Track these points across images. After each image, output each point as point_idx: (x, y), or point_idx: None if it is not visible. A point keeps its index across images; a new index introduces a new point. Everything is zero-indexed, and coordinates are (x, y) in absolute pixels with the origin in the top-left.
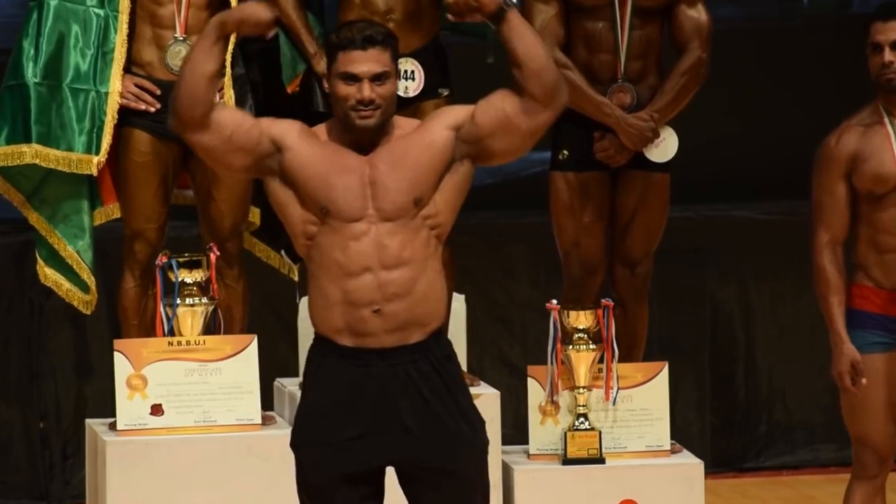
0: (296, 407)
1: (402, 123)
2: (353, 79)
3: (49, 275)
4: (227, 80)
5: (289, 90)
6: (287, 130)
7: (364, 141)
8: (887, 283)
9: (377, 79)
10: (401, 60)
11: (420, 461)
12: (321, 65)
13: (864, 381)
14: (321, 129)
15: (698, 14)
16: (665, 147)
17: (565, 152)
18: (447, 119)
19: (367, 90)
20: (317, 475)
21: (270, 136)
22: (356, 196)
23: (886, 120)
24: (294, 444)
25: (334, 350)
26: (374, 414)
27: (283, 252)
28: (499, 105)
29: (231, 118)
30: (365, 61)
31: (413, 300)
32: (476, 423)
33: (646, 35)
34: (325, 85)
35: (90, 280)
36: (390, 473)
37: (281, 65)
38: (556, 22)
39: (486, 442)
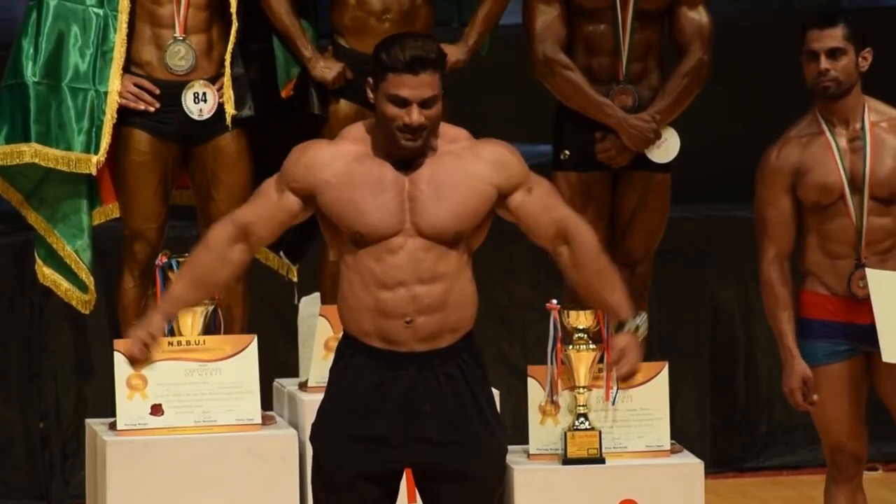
0: (295, 407)
1: (447, 133)
2: (403, 102)
3: (48, 274)
4: (227, 79)
5: (283, 94)
6: (317, 173)
7: (406, 155)
8: (841, 290)
9: (426, 103)
10: None
11: (439, 465)
12: (317, 69)
13: (815, 397)
14: (360, 130)
15: (699, 16)
16: (667, 148)
17: (566, 152)
18: (500, 178)
19: (416, 115)
20: (334, 470)
21: (304, 193)
22: (392, 214)
23: (826, 129)
24: (314, 438)
25: (364, 349)
26: (398, 416)
27: (281, 253)
28: (533, 222)
29: (265, 217)
30: (416, 86)
31: (446, 311)
32: (497, 428)
33: (647, 37)
34: (370, 97)
35: (89, 280)
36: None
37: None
38: (559, 23)
39: (505, 448)
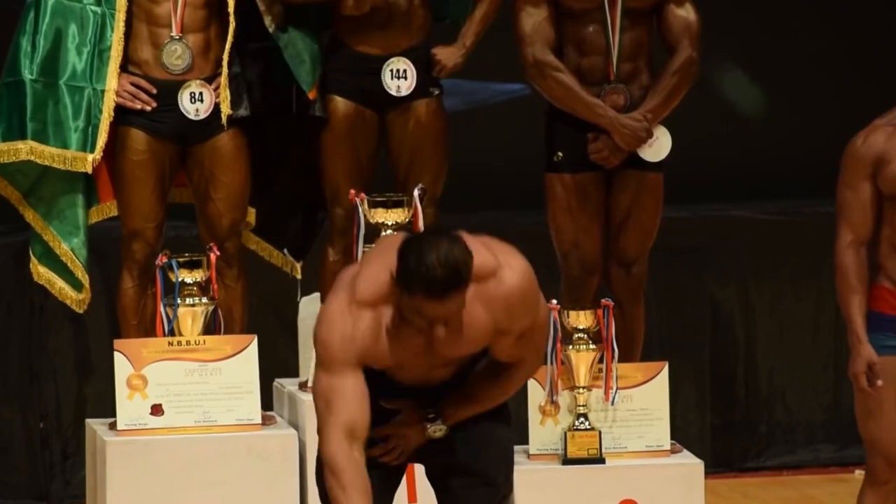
0: (295, 407)
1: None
2: (429, 319)
3: (42, 273)
4: (224, 79)
5: (311, 96)
6: (368, 350)
7: None
8: None
9: (452, 317)
10: (393, 60)
11: (447, 461)
12: (348, 7)
13: (879, 382)
14: (377, 289)
15: (687, 13)
16: (658, 146)
17: (560, 154)
18: (503, 324)
19: (441, 331)
20: None
21: (361, 364)
22: (416, 357)
23: None
24: (319, 480)
25: None
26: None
27: (285, 251)
28: (495, 356)
29: (357, 407)
30: (443, 310)
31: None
32: (502, 426)
33: (636, 36)
34: (398, 297)
35: (84, 278)
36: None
37: (291, 67)
38: (547, 25)
39: (508, 439)
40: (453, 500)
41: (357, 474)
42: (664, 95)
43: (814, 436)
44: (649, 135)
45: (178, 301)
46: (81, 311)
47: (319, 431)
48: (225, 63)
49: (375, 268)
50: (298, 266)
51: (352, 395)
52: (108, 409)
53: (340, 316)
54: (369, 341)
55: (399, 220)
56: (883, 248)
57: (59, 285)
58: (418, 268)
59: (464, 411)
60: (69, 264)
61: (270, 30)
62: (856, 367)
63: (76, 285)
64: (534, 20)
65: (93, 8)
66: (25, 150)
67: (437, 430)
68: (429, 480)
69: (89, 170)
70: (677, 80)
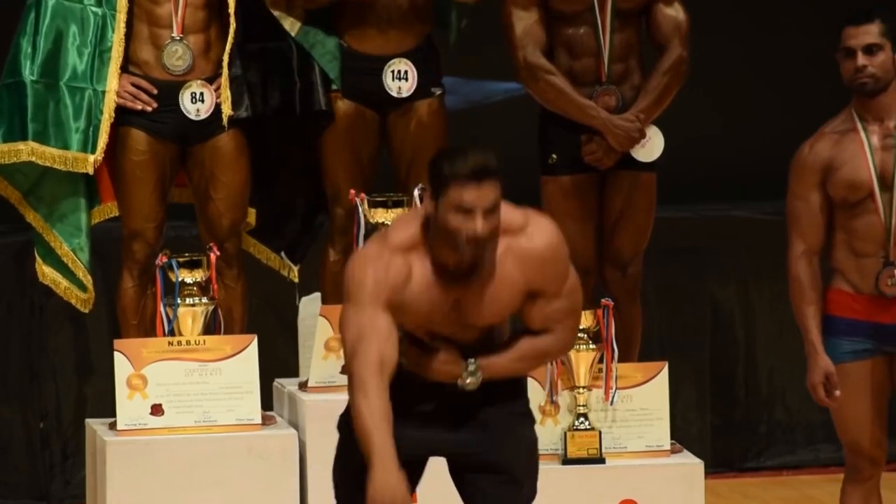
0: (295, 407)
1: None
2: (467, 210)
3: (47, 273)
4: (224, 80)
5: None
6: (400, 293)
7: (464, 266)
8: (866, 288)
9: (489, 211)
10: (394, 61)
11: (470, 455)
12: None
13: (837, 393)
14: (408, 232)
15: (676, 13)
16: (651, 147)
17: (554, 156)
18: (535, 283)
19: (481, 223)
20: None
21: (389, 307)
22: (446, 318)
23: (860, 126)
24: (341, 424)
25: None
26: (435, 407)
27: (282, 254)
28: (528, 323)
29: (388, 342)
30: (479, 197)
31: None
32: (528, 421)
33: (626, 37)
34: (428, 210)
35: (86, 279)
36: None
37: (321, 65)
38: (538, 28)
39: (534, 440)
40: (478, 497)
41: (384, 401)
42: (655, 95)
43: (814, 436)
44: (642, 135)
45: (178, 301)
46: (87, 311)
47: (348, 364)
48: (225, 64)
49: (406, 219)
50: (296, 269)
51: (383, 331)
52: (108, 409)
53: (374, 257)
54: (400, 284)
55: None
56: (839, 253)
57: (63, 285)
58: (453, 159)
59: (498, 366)
60: (70, 265)
61: (293, 33)
62: (813, 379)
63: (79, 285)
64: (525, 23)
65: (93, 9)
66: (26, 151)
67: (470, 378)
68: (451, 477)
69: (90, 170)
70: (668, 80)
